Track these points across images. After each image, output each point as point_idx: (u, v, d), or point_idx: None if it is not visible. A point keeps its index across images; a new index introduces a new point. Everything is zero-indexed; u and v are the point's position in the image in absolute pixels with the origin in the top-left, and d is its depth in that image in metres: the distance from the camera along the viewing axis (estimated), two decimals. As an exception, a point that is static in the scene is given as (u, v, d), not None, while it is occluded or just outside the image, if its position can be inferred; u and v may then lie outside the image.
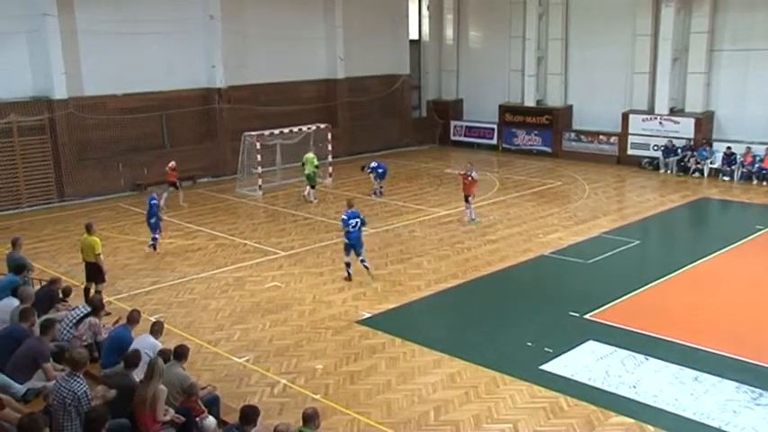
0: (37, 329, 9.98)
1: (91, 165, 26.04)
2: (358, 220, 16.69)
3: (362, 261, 16.78)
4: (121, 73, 26.18)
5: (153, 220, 19.12)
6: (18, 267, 13.17)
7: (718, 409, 10.75)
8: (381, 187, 25.84)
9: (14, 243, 14.26)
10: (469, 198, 21.74)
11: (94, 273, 14.98)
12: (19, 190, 24.43)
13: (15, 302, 10.99)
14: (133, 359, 9.24)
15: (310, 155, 25.48)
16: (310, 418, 8.15)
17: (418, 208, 23.83)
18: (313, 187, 25.12)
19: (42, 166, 24.94)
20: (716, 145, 28.85)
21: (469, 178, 21.59)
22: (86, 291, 14.89)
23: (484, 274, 17.30)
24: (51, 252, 19.56)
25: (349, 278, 16.73)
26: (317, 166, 25.29)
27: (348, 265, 16.78)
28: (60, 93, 24.80)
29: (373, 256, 18.76)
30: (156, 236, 19.25)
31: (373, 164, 26.19)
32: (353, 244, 16.63)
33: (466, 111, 37.92)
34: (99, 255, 14.83)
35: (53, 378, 9.07)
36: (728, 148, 28.05)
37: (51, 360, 9.67)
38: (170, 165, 24.35)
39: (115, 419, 8.13)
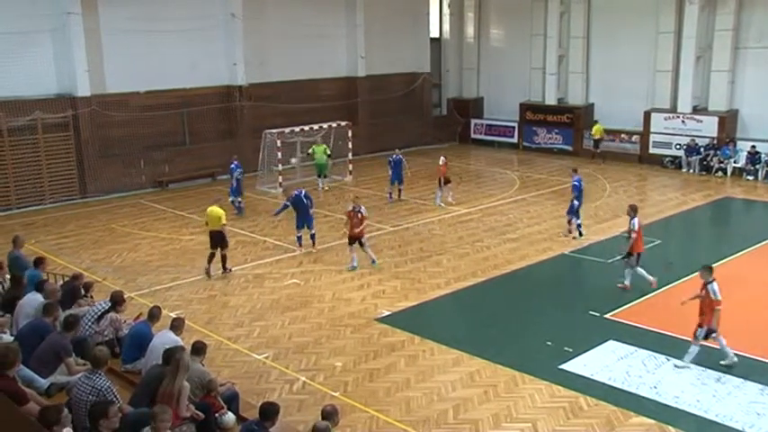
0: (59, 324, 10.08)
1: (113, 161, 26.29)
2: (241, 170, 23.02)
3: (240, 202, 22.83)
4: (144, 70, 26.41)
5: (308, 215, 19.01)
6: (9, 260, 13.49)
7: (741, 412, 10.63)
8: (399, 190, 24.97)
9: (14, 241, 14.43)
10: (363, 240, 17.61)
11: (220, 239, 17.04)
12: (42, 186, 24.72)
13: (39, 297, 11.10)
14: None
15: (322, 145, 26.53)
16: (329, 415, 8.15)
17: (438, 206, 23.76)
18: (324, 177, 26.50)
19: (66, 162, 25.23)
20: (740, 144, 28.54)
21: (359, 215, 17.40)
22: (212, 256, 17.15)
23: (503, 273, 17.24)
24: (74, 248, 19.75)
25: (239, 212, 22.69)
26: (329, 155, 26.62)
27: (240, 202, 22.89)
28: (84, 90, 25.05)
29: (393, 254, 18.81)
30: (313, 231, 19.13)
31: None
32: (239, 188, 22.84)
33: (486, 109, 37.82)
34: (225, 225, 17.10)
35: (75, 373, 9.16)
36: (753, 146, 27.72)
37: (74, 355, 9.76)
38: (441, 161, 23.99)
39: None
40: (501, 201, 24.51)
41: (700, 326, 11.94)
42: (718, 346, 12.08)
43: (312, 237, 19.08)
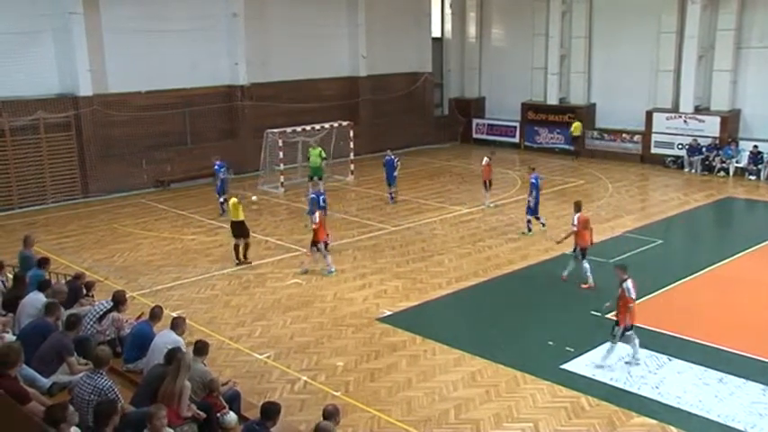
0: (61, 324, 10.08)
1: (115, 161, 26.30)
2: (225, 168, 22.89)
3: (224, 201, 21.87)
4: (145, 70, 26.42)
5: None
6: (40, 262, 13.39)
7: (743, 412, 10.62)
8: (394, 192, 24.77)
9: (25, 240, 14.44)
10: (319, 245, 17.34)
11: (239, 230, 18.02)
12: (44, 186, 24.74)
13: (41, 297, 11.11)
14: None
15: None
16: (331, 414, 8.15)
17: (440, 206, 23.77)
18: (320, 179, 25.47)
19: (67, 162, 25.27)
20: (742, 144, 28.51)
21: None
22: (236, 247, 18.16)
23: (505, 273, 17.24)
24: (76, 248, 19.76)
25: (222, 213, 22.06)
26: (324, 158, 25.99)
27: (222, 202, 22.30)
28: (85, 90, 25.09)
29: (394, 254, 18.80)
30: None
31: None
32: (224, 186, 22.61)
33: (488, 109, 37.80)
34: (240, 204, 18.10)
35: (77, 372, 9.17)
36: (755, 146, 27.71)
37: (75, 354, 9.77)
38: (484, 161, 23.69)
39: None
40: (502, 200, 24.48)
41: (617, 324, 12.12)
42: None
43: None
